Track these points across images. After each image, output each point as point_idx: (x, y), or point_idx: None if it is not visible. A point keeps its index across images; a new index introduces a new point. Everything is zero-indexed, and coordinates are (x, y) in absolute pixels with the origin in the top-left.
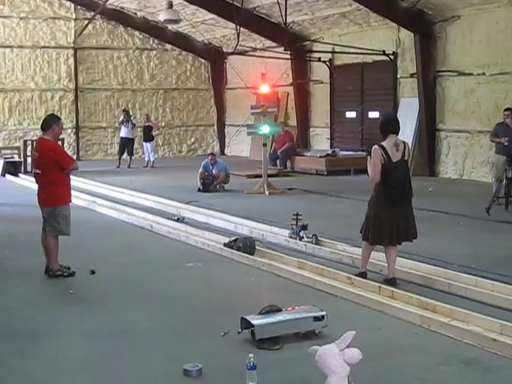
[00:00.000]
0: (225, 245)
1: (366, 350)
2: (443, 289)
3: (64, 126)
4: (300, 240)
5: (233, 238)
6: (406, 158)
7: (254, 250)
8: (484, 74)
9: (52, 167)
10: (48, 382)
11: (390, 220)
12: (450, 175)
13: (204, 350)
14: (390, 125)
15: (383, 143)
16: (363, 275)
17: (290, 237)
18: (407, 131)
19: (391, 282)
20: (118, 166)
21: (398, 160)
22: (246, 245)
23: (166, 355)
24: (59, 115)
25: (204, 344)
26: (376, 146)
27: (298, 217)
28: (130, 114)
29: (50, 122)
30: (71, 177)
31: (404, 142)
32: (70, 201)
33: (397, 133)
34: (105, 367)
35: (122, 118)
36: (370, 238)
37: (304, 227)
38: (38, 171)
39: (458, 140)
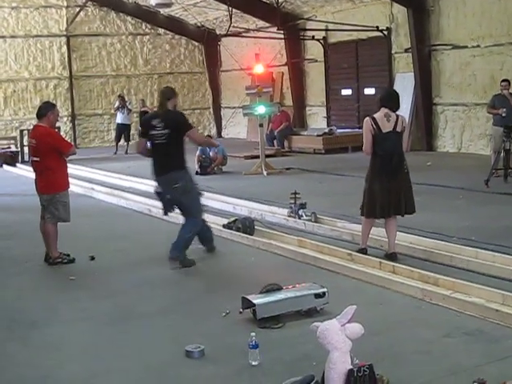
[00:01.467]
0: (224, 226)
1: (368, 326)
2: (444, 262)
3: (60, 114)
4: (299, 218)
5: (232, 219)
6: (397, 129)
7: (253, 230)
8: (479, 46)
9: (50, 153)
10: (52, 368)
11: (381, 192)
12: (447, 149)
13: (206, 331)
14: (385, 101)
15: (374, 115)
16: (364, 251)
17: (289, 216)
18: (404, 106)
19: (392, 256)
20: (115, 153)
21: (388, 131)
22: (245, 225)
23: (168, 337)
24: (55, 103)
25: (205, 325)
26: (367, 118)
27: (297, 195)
28: (126, 99)
29: (46, 110)
30: (69, 164)
31: (397, 115)
32: (68, 187)
33: (391, 109)
34: (108, 352)
35: (117, 104)
36: (365, 211)
37: (302, 205)
38: (35, 159)
39: (455, 113)
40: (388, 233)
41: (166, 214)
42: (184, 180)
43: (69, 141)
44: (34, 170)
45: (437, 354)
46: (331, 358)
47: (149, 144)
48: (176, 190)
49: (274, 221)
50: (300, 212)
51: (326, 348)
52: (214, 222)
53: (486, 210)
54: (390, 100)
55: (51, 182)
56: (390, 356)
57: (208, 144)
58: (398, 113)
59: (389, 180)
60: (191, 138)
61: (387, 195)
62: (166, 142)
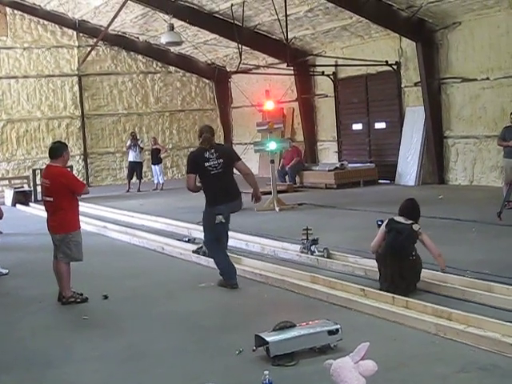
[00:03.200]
0: (193, 252)
1: (381, 361)
2: (458, 296)
3: (72, 153)
4: (311, 254)
5: (200, 246)
6: (412, 226)
7: None
8: (488, 78)
9: (63, 194)
10: None
11: (384, 271)
12: (459, 182)
13: (219, 369)
14: (403, 211)
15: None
16: None
17: (302, 252)
18: (414, 140)
19: None
20: (128, 190)
21: (402, 222)
22: None
23: (182, 376)
24: (67, 143)
25: (219, 363)
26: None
27: (308, 231)
28: (138, 137)
29: (60, 150)
30: (81, 203)
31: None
32: (80, 227)
33: (410, 218)
34: None
35: (129, 142)
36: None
37: (314, 241)
38: (48, 199)
39: (466, 146)
40: None
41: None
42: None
43: (81, 180)
44: (47, 210)
45: None
46: None
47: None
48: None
49: (287, 257)
50: (312, 248)
51: None
52: (186, 249)
53: (499, 242)
54: (409, 211)
55: (63, 222)
56: None
57: (252, 179)
58: (410, 149)
59: (392, 263)
60: (240, 168)
61: (390, 276)
62: (222, 171)
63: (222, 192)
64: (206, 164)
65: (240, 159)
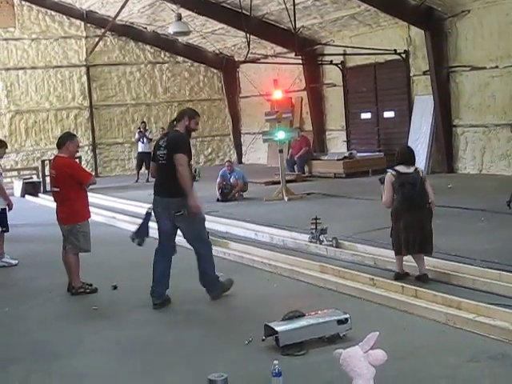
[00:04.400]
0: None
1: (391, 351)
2: (467, 285)
3: (81, 144)
4: (320, 244)
5: None
6: (418, 171)
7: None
8: (497, 67)
9: (70, 184)
10: None
11: (405, 229)
12: (468, 171)
13: (229, 359)
14: (402, 158)
15: (395, 167)
16: (399, 275)
17: (310, 241)
18: (423, 129)
19: (423, 278)
20: (137, 181)
21: (407, 171)
22: None
23: (191, 366)
24: (75, 133)
25: (228, 353)
26: (388, 171)
27: (317, 221)
28: (147, 127)
29: (65, 140)
30: (89, 193)
31: (416, 167)
32: (89, 217)
33: (410, 164)
34: (131, 382)
35: (137, 135)
36: (394, 249)
37: (323, 231)
38: (56, 189)
39: (475, 135)
40: (416, 260)
41: (138, 239)
42: (185, 208)
43: (89, 170)
44: (55, 201)
45: (461, 379)
46: None
47: None
48: (178, 217)
49: (296, 247)
50: (321, 237)
51: (350, 375)
52: (235, 249)
53: (508, 231)
54: (407, 157)
55: (71, 213)
56: (414, 382)
57: (184, 181)
58: (418, 138)
59: (411, 217)
60: (175, 163)
61: (411, 233)
62: (165, 163)
63: (158, 184)
64: (158, 152)
65: (181, 153)
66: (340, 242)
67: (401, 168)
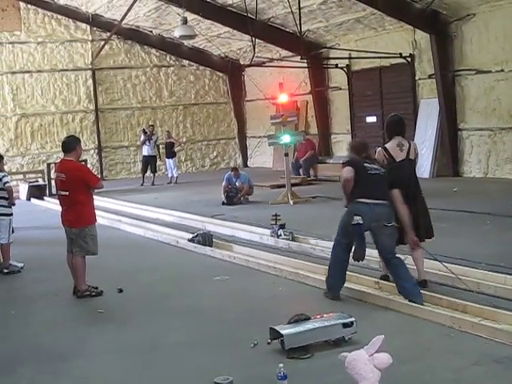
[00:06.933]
0: (189, 240)
1: (396, 354)
2: (472, 288)
3: (86, 147)
4: (278, 238)
5: (195, 234)
6: (410, 157)
7: (211, 242)
8: (503, 70)
9: (80, 188)
10: None
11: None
12: (474, 174)
13: (234, 362)
14: (395, 126)
15: (386, 145)
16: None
17: (271, 235)
18: (429, 132)
19: (422, 284)
20: (142, 184)
21: (401, 159)
22: (204, 239)
23: (197, 369)
24: (81, 137)
25: (234, 356)
26: (379, 149)
27: (277, 217)
28: (154, 132)
29: (74, 144)
30: (96, 196)
31: (409, 142)
32: (96, 220)
33: (401, 134)
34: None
35: (142, 137)
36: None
37: (282, 226)
38: (64, 193)
39: (481, 138)
40: (415, 261)
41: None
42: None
43: (96, 174)
44: (62, 204)
45: (466, 382)
46: None
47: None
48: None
49: (300, 250)
50: (279, 232)
51: (355, 378)
52: (241, 253)
53: None
54: (399, 125)
55: (81, 216)
56: None
57: None
58: (419, 141)
59: (408, 207)
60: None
61: (413, 220)
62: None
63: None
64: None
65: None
66: (295, 236)
67: (393, 150)
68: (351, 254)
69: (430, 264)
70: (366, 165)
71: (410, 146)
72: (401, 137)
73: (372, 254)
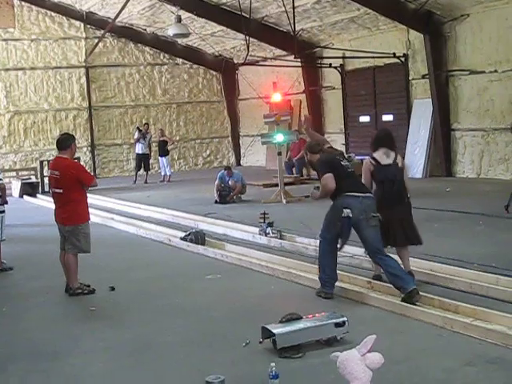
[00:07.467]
0: (181, 238)
1: (388, 354)
2: (465, 289)
3: (79, 145)
4: (266, 236)
5: (187, 233)
6: (398, 163)
7: (204, 241)
8: (496, 71)
9: (74, 185)
10: None
11: (386, 222)
12: (467, 174)
13: (226, 361)
14: (380, 141)
15: (373, 154)
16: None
17: (259, 233)
18: (422, 132)
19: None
20: (135, 182)
21: (387, 164)
22: (197, 237)
23: (189, 367)
24: (74, 134)
25: (226, 355)
26: (366, 159)
27: (265, 215)
28: (148, 130)
29: (69, 141)
30: (88, 194)
31: (396, 153)
32: (89, 218)
33: (388, 146)
34: (128, 382)
35: (136, 135)
36: None
37: (270, 224)
38: (58, 190)
39: (474, 139)
40: (401, 259)
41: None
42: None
43: (89, 172)
44: (56, 202)
45: (458, 382)
46: None
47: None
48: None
49: (293, 249)
50: (267, 230)
51: (347, 378)
52: (233, 251)
53: (506, 235)
54: (386, 139)
55: (74, 214)
56: None
57: None
58: (417, 142)
59: (392, 210)
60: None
61: (391, 225)
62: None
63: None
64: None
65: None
66: (283, 234)
67: (380, 156)
68: (352, 248)
69: (422, 264)
70: (342, 163)
71: (396, 155)
72: (386, 148)
73: (304, 241)
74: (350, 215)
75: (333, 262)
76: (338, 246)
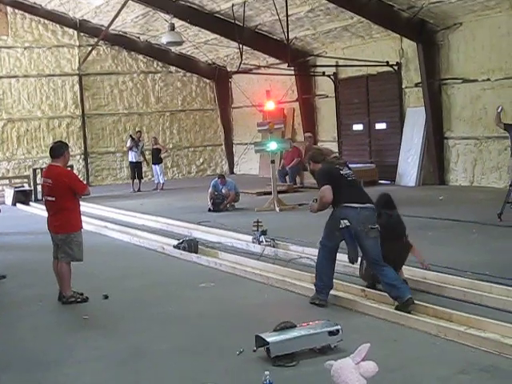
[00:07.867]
0: (174, 247)
1: (382, 362)
2: (458, 297)
3: (72, 153)
4: (259, 244)
5: (180, 241)
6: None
7: (197, 249)
8: (489, 79)
9: (66, 194)
10: None
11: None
12: (460, 183)
13: (220, 370)
14: (383, 206)
15: None
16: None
17: (253, 242)
18: (415, 141)
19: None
20: (135, 191)
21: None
22: (190, 245)
23: (183, 376)
24: (67, 142)
25: (220, 363)
26: None
27: (259, 223)
28: (140, 138)
29: (62, 149)
30: (82, 202)
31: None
32: (82, 227)
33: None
34: None
35: (129, 143)
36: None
37: (263, 232)
38: (50, 198)
39: (467, 147)
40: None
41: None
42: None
43: (82, 180)
44: (49, 210)
45: None
46: None
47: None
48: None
49: (287, 258)
50: (261, 238)
51: None
52: (227, 260)
53: (499, 243)
54: (388, 204)
55: (67, 222)
56: None
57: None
58: (410, 148)
59: (388, 245)
60: None
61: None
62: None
63: (360, 196)
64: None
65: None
66: (276, 242)
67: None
68: (346, 256)
69: (415, 272)
70: (342, 173)
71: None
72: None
73: (304, 251)
74: (348, 224)
75: (330, 271)
76: (348, 258)
